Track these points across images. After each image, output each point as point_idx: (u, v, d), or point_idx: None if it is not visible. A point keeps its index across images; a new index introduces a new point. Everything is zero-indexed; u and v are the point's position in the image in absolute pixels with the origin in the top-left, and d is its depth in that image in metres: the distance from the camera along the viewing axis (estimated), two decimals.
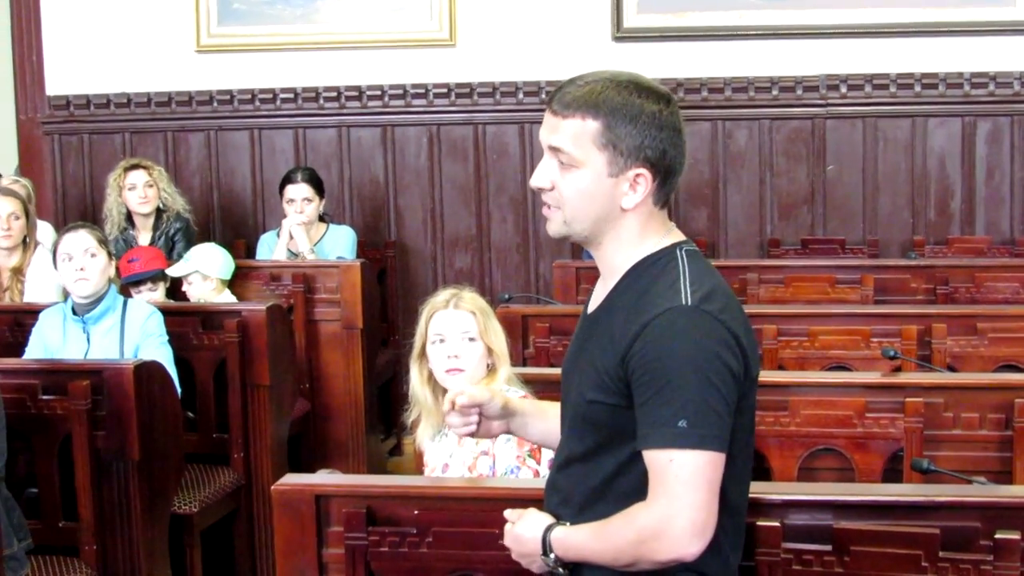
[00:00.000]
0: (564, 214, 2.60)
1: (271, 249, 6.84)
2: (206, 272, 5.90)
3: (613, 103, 2.54)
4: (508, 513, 2.71)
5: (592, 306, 2.71)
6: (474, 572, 3.02)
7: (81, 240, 5.00)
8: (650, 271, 2.58)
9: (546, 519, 2.63)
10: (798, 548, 2.83)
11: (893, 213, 7.33)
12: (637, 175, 2.56)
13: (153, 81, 7.65)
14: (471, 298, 3.88)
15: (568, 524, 2.60)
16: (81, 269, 4.96)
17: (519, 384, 3.83)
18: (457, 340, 3.81)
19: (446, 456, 3.80)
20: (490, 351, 3.83)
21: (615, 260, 2.64)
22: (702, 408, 2.42)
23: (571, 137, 2.55)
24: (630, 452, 2.52)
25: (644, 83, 2.59)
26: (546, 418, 2.95)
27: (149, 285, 5.79)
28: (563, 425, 2.74)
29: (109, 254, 5.08)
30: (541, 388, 3.81)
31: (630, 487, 2.52)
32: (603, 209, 2.58)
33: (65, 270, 5.03)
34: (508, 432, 2.98)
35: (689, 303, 2.48)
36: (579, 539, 2.57)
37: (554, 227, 2.64)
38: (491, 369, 3.83)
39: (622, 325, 2.52)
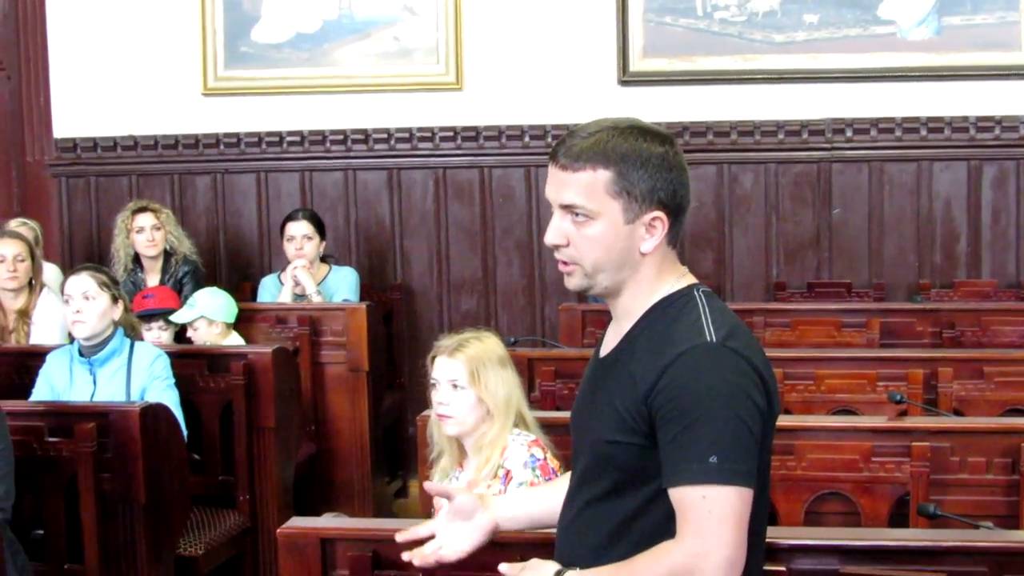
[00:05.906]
0: (585, 268, 2.58)
1: (272, 292, 6.84)
2: (212, 317, 5.91)
3: (622, 150, 2.53)
4: (505, 567, 2.65)
5: (605, 350, 2.69)
6: None
7: (80, 283, 5.02)
8: (669, 311, 2.57)
9: (554, 565, 2.58)
10: None
11: (899, 257, 7.33)
12: (654, 218, 2.55)
13: (160, 124, 7.69)
14: (475, 349, 3.82)
15: (579, 569, 2.54)
16: (77, 312, 4.99)
17: (535, 428, 3.82)
18: (446, 387, 3.82)
19: None
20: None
21: (633, 304, 2.62)
22: (733, 444, 2.41)
23: (584, 190, 2.54)
24: (651, 492, 2.49)
25: (646, 127, 2.59)
26: (546, 499, 2.92)
27: (161, 323, 5.84)
28: (575, 471, 2.71)
29: (114, 296, 5.07)
30: (546, 432, 3.81)
31: (651, 529, 2.49)
32: (622, 257, 2.56)
33: (65, 312, 5.09)
34: (497, 529, 2.88)
35: (714, 340, 2.47)
36: None
37: (575, 282, 2.61)
38: (491, 415, 3.80)
39: (644, 364, 2.50)
